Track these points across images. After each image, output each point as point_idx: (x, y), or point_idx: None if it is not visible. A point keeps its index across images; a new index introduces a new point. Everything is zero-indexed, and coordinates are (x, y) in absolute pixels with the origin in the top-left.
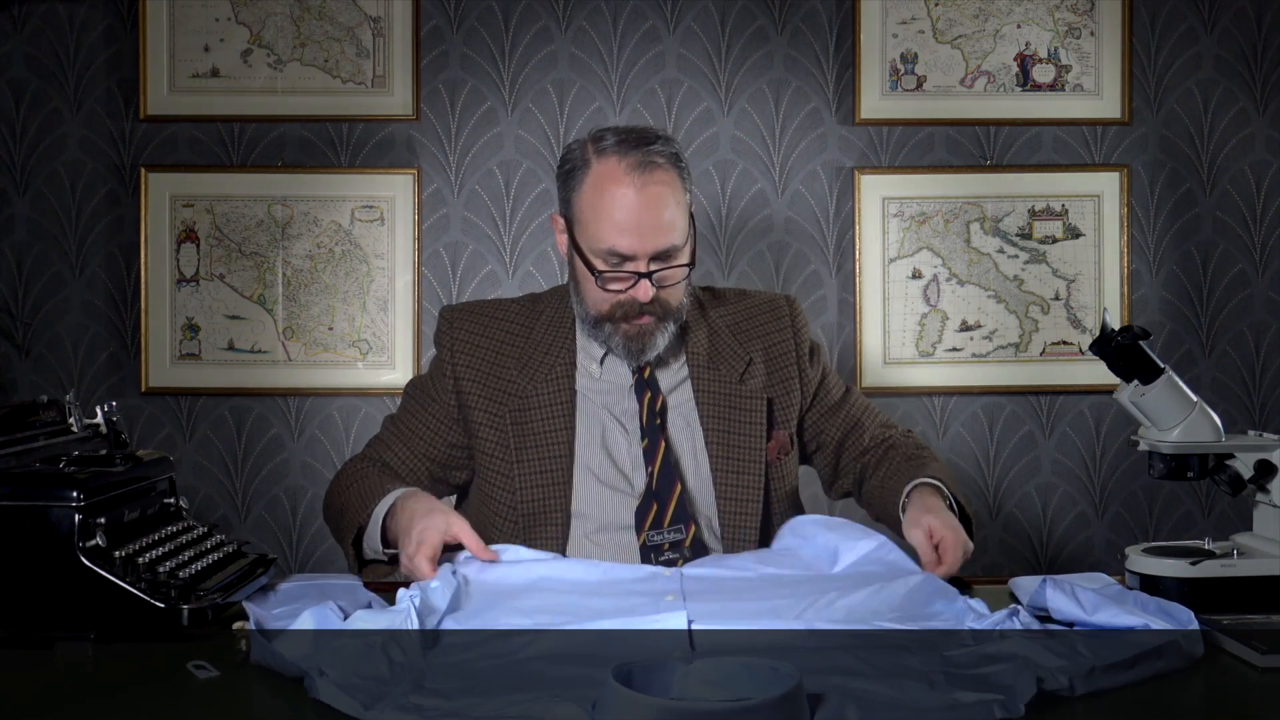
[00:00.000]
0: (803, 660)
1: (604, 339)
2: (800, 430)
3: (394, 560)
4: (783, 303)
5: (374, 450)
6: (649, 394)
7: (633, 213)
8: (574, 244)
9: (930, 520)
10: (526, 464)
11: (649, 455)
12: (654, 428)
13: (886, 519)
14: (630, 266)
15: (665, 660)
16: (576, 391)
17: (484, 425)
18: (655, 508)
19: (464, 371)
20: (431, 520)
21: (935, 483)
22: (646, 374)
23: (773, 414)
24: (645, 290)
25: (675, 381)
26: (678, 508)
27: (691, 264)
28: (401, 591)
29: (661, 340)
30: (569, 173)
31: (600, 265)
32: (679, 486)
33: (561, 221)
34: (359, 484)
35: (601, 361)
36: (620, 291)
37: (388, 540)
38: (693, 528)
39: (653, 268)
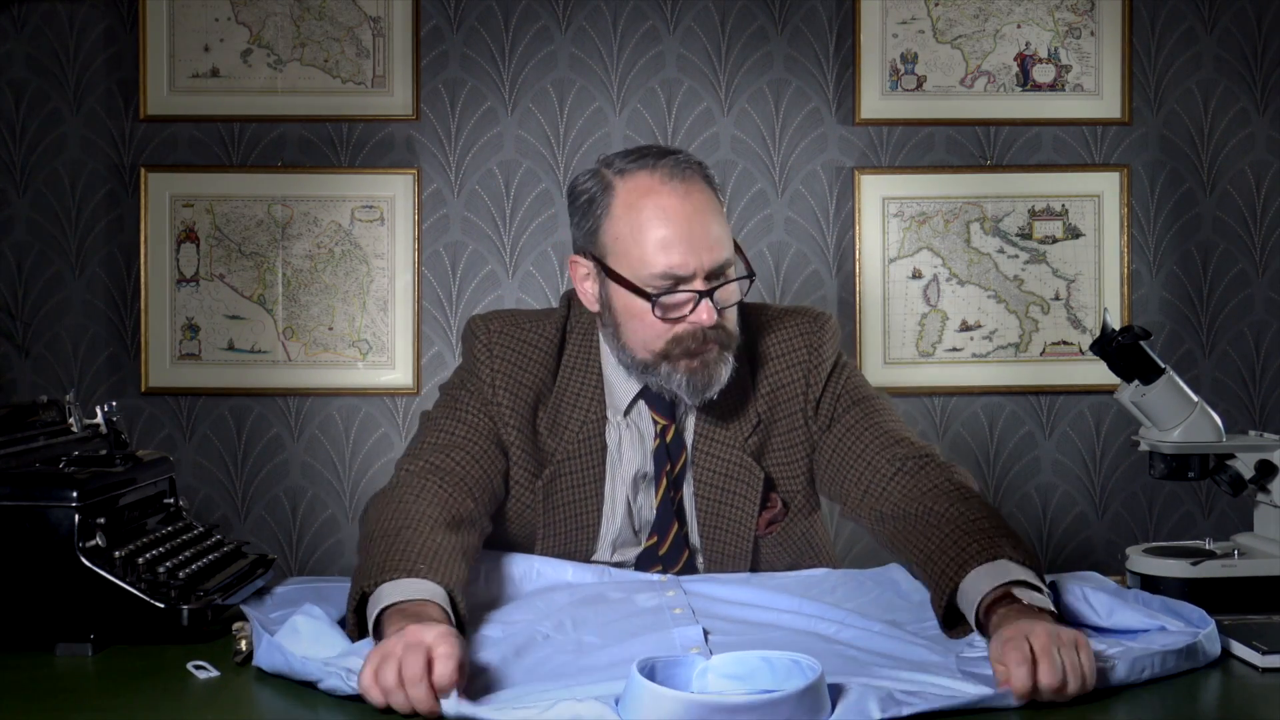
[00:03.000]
0: (819, 655)
1: (661, 381)
2: (813, 478)
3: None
4: (803, 336)
5: (432, 458)
6: (669, 464)
7: (681, 225)
8: (613, 279)
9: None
10: (552, 537)
11: (660, 526)
12: (668, 500)
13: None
14: (686, 288)
15: (685, 656)
16: (607, 449)
17: (518, 484)
18: (661, 569)
19: (506, 422)
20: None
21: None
22: (670, 436)
23: (770, 483)
24: (708, 312)
25: (689, 426)
26: (684, 569)
27: (751, 277)
28: None
29: (724, 373)
30: (587, 205)
31: (654, 292)
32: (686, 553)
33: (585, 264)
34: (406, 533)
35: (625, 413)
36: (678, 319)
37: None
38: None
39: (711, 285)
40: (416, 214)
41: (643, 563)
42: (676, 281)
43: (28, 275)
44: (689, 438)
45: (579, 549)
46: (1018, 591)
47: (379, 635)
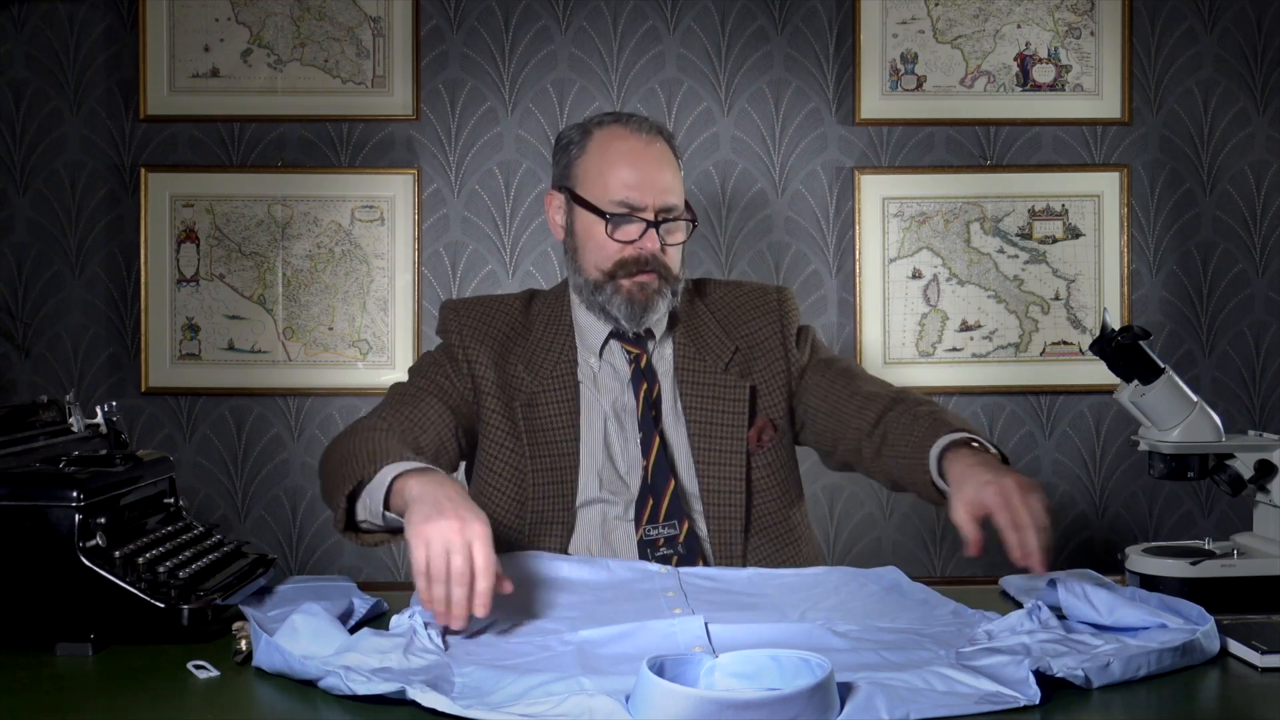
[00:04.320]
0: (823, 652)
1: (604, 301)
2: (791, 412)
3: (395, 530)
4: (772, 293)
5: (392, 409)
6: (645, 385)
7: (641, 165)
8: (579, 204)
9: (965, 493)
10: (539, 460)
11: (645, 450)
12: (649, 422)
13: (915, 486)
14: (640, 217)
15: (692, 654)
16: (580, 386)
17: (495, 415)
18: (650, 503)
19: (476, 359)
20: (467, 527)
21: (961, 436)
22: (644, 363)
23: (755, 401)
24: (653, 239)
25: (665, 370)
26: (671, 503)
27: (694, 222)
28: (396, 618)
29: (662, 305)
30: (566, 147)
31: (610, 213)
32: (672, 482)
33: (558, 197)
34: (371, 439)
35: (600, 354)
36: (627, 243)
37: (390, 505)
38: (686, 523)
39: (659, 219)
40: (416, 214)
41: (639, 502)
42: (631, 211)
43: (28, 275)
44: (665, 369)
45: (566, 480)
46: (967, 438)
47: (388, 504)
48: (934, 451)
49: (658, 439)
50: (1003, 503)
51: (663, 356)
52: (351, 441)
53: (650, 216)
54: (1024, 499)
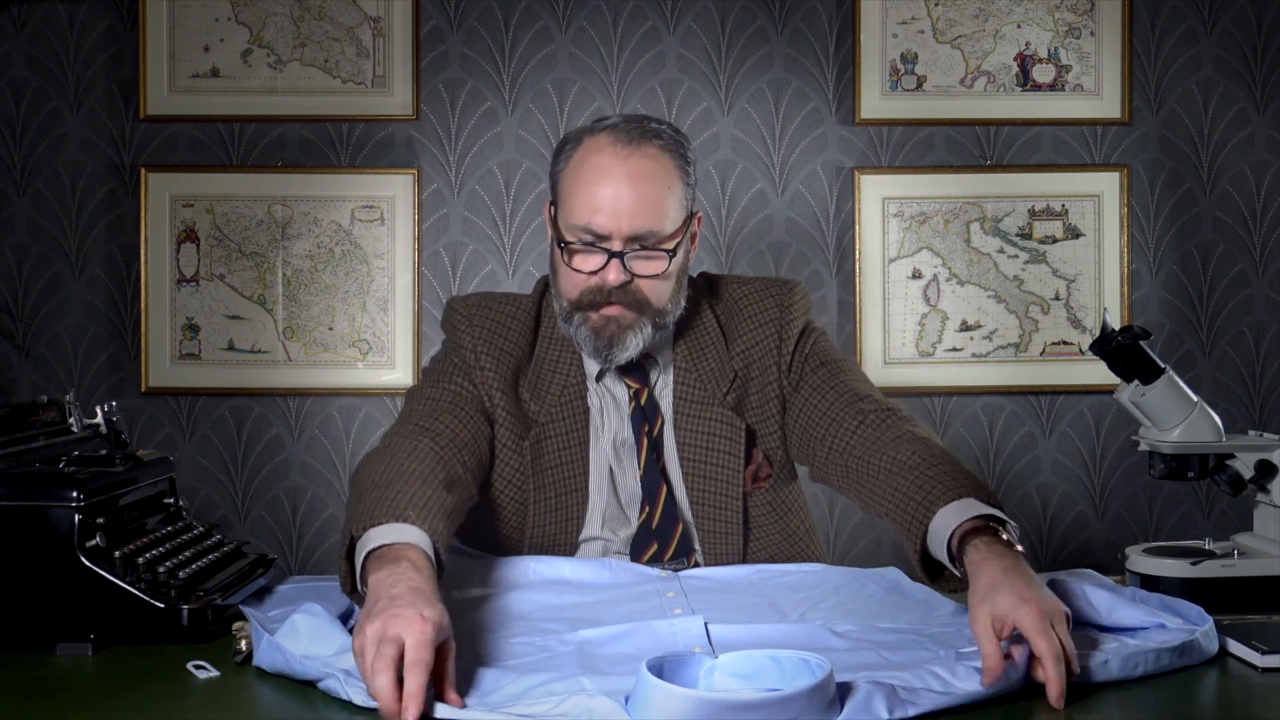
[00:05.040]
0: (821, 652)
1: (573, 332)
2: (784, 434)
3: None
4: (774, 296)
5: (431, 419)
6: (647, 425)
7: (610, 187)
8: (551, 223)
9: (997, 605)
10: (544, 502)
11: (647, 490)
12: (652, 464)
13: (898, 536)
14: (604, 246)
15: (692, 654)
16: (589, 412)
17: (505, 446)
18: (655, 546)
19: (489, 381)
20: (398, 621)
21: (985, 514)
22: (645, 399)
23: (752, 436)
24: (615, 272)
25: (667, 404)
26: (680, 543)
27: (674, 255)
28: None
29: (634, 341)
30: (559, 151)
31: (573, 242)
32: (680, 526)
33: (550, 209)
34: (388, 474)
35: (599, 379)
36: (590, 274)
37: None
38: (692, 557)
39: (627, 249)
40: (416, 214)
41: (639, 543)
42: (596, 238)
43: (28, 275)
44: (666, 401)
45: (571, 518)
46: (989, 523)
47: (364, 580)
48: (939, 525)
49: (665, 486)
50: (1040, 627)
51: (665, 384)
52: (374, 471)
53: (616, 246)
54: (1061, 626)
